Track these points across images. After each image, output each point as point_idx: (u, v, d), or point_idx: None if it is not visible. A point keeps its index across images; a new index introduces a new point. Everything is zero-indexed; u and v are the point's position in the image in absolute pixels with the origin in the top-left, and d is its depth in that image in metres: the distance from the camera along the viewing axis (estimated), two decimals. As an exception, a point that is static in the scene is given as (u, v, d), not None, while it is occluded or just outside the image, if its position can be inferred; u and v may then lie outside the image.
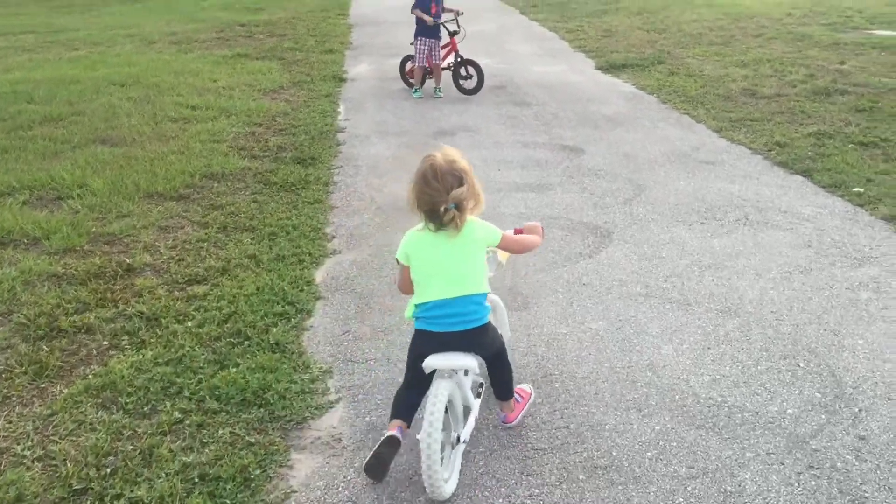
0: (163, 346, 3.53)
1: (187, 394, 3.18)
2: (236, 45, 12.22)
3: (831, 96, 8.38)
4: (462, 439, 2.80)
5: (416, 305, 2.79)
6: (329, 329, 3.79)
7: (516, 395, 3.08)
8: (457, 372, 2.79)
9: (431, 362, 2.69)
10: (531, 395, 3.19)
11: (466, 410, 2.90)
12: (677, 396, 3.19)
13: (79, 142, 6.79)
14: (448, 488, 2.66)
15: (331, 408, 3.17)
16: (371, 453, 2.72)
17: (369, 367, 3.47)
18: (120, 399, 3.15)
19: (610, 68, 10.31)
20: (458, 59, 8.80)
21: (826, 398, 3.16)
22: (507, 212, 5.29)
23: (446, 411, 2.66)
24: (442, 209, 2.62)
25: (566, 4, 16.85)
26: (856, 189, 5.60)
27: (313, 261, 4.55)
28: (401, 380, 2.98)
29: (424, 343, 2.76)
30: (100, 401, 3.15)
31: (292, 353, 3.53)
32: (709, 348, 3.56)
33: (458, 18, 8.81)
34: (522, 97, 8.82)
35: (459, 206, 2.65)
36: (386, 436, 2.75)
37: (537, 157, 6.62)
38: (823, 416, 3.04)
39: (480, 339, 2.80)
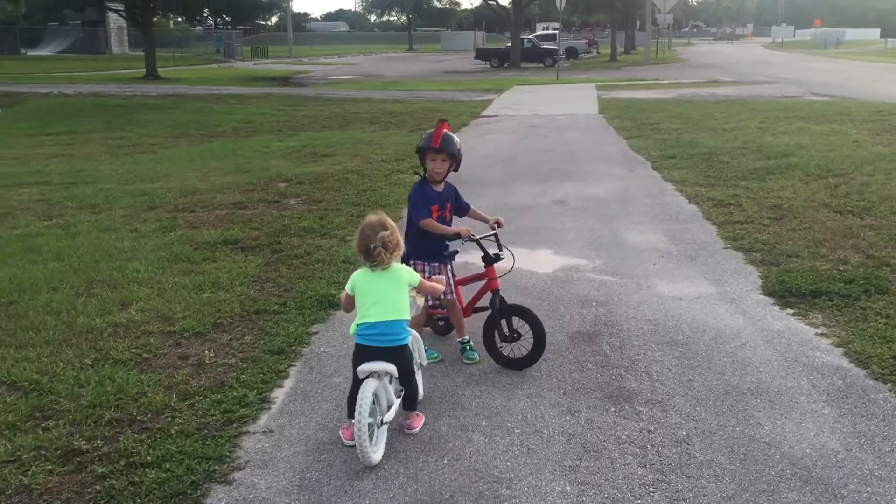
0: None
1: None
2: (242, 219, 8.87)
3: None
4: (384, 421, 3.76)
5: (358, 325, 3.79)
6: None
7: (416, 411, 4.08)
8: (382, 377, 3.76)
9: (364, 367, 3.71)
10: (423, 416, 4.14)
11: (391, 406, 3.84)
12: None
13: None
14: (376, 457, 3.68)
15: None
16: None
17: None
18: None
19: (788, 296, 6.04)
20: (499, 306, 4.81)
21: None
22: None
23: (374, 402, 3.66)
24: (372, 247, 3.70)
25: (713, 156, 12.70)
26: None
27: None
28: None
29: (361, 355, 3.77)
30: None
31: None
32: None
33: (498, 232, 4.90)
34: (625, 372, 4.72)
35: (384, 245, 3.71)
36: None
37: None
38: None
39: (402, 354, 3.83)
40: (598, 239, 7.90)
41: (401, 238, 3.87)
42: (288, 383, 4.65)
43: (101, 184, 11.77)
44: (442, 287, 4.31)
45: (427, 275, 4.82)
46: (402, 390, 4.00)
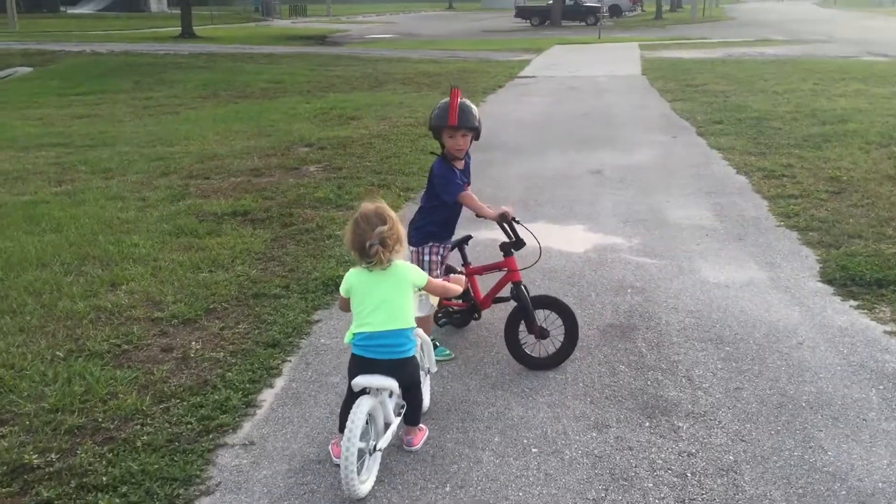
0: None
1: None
2: (256, 187, 8.38)
3: None
4: (378, 448, 3.18)
5: (354, 334, 3.20)
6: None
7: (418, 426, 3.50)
8: (381, 392, 3.19)
9: (359, 381, 3.13)
10: (426, 429, 3.56)
11: (388, 425, 3.27)
12: None
13: None
14: (363, 489, 3.09)
15: None
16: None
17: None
18: None
19: (850, 284, 5.37)
20: (523, 300, 4.20)
21: None
22: None
23: (367, 423, 3.10)
24: (368, 244, 3.09)
25: (764, 120, 11.85)
26: None
27: None
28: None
29: (358, 366, 3.19)
30: None
31: None
32: None
33: (517, 226, 4.27)
34: (663, 376, 4.13)
35: (383, 243, 3.10)
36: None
37: None
38: None
39: (405, 368, 3.24)
40: (636, 214, 7.24)
41: (402, 231, 3.25)
42: (279, 383, 4.13)
43: (120, 146, 11.38)
44: (459, 288, 3.68)
45: (442, 256, 4.28)
46: (403, 405, 3.45)
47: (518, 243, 4.17)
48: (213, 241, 6.40)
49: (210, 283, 5.41)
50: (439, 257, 4.27)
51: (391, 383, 3.20)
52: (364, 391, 3.19)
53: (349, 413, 3.11)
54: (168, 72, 21.54)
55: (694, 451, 3.48)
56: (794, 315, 4.92)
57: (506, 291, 4.38)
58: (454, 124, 3.98)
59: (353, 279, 3.28)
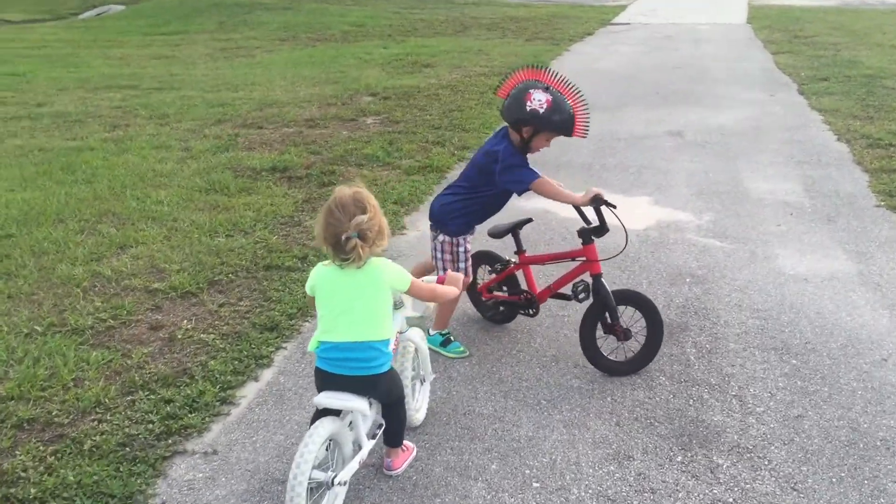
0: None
1: None
2: (306, 139, 8.00)
3: None
4: (338, 482, 2.62)
5: (319, 342, 2.70)
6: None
7: (402, 445, 2.99)
8: (347, 415, 2.71)
9: (321, 400, 2.66)
10: (414, 449, 3.07)
11: (361, 448, 2.78)
12: None
13: None
14: None
15: None
16: None
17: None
18: None
19: (959, 286, 4.50)
20: (603, 292, 3.58)
21: None
22: None
23: (328, 449, 2.64)
24: (343, 237, 2.56)
25: (876, 79, 10.61)
26: None
27: None
28: None
29: (322, 381, 2.72)
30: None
31: None
32: None
33: (606, 208, 3.62)
34: (709, 394, 3.50)
35: (362, 236, 2.58)
36: None
37: None
38: None
39: (377, 386, 2.73)
40: (712, 185, 6.44)
41: (385, 222, 2.69)
42: (266, 375, 3.67)
43: (185, 90, 11.16)
44: (455, 291, 3.06)
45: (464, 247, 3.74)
46: (381, 424, 2.93)
47: (602, 228, 3.57)
48: (241, 200, 6.00)
49: (223, 250, 4.99)
50: (470, 244, 3.77)
51: (360, 404, 2.67)
52: (325, 412, 2.67)
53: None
54: (254, 12, 21.27)
55: (732, 499, 2.84)
56: (883, 321, 4.14)
57: (569, 287, 3.80)
58: (579, 135, 3.55)
59: (319, 276, 2.73)
